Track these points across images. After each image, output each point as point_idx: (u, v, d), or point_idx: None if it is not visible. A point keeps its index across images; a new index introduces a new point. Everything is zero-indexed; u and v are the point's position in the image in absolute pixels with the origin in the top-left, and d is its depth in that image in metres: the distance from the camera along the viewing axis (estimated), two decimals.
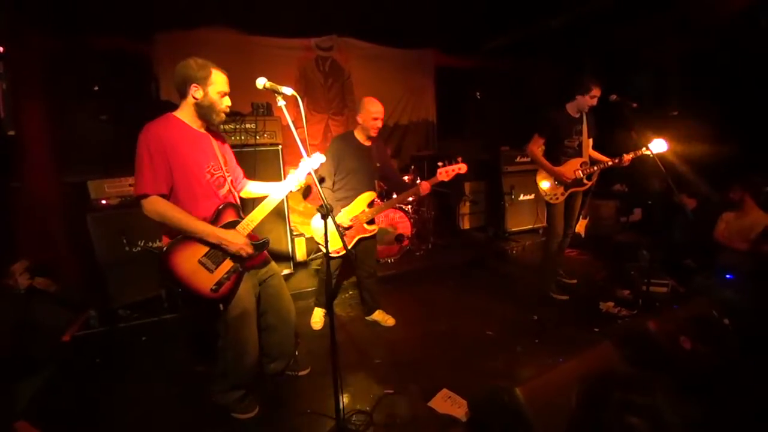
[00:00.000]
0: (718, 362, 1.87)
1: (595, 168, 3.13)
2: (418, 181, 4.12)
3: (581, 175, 3.14)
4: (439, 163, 2.75)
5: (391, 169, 3.02)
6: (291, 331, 2.25)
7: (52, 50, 3.42)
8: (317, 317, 3.07)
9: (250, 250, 1.86)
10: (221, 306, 1.87)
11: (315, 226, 2.75)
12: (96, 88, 4.06)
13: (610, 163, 3.10)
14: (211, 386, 2.12)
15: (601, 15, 4.28)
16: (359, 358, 2.62)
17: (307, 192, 4.57)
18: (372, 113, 2.68)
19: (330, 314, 1.74)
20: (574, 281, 3.69)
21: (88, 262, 2.99)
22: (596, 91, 2.98)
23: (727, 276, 2.81)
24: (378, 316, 3.07)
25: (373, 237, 2.91)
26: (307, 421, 2.05)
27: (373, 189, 2.83)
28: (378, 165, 2.86)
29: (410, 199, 4.36)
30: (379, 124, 2.73)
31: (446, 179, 2.72)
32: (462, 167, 2.72)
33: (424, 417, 2.06)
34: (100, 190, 3.08)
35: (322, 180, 2.70)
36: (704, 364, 1.85)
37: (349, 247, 2.74)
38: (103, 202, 3.07)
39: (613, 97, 2.79)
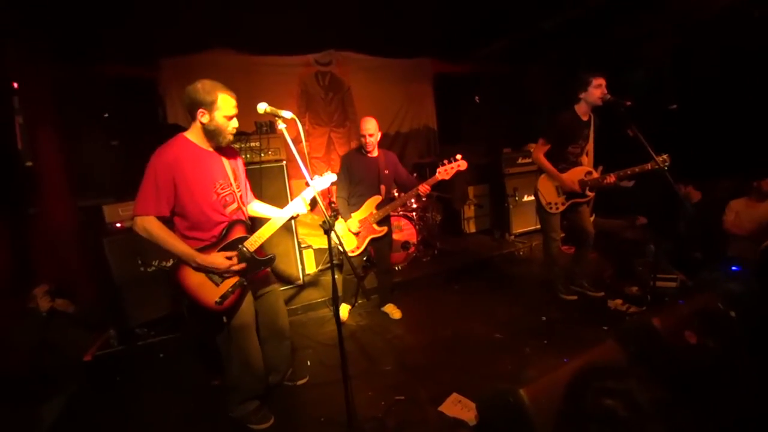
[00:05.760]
0: (722, 355, 1.88)
1: (600, 180, 2.97)
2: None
3: (587, 186, 3.03)
4: (440, 164, 2.88)
5: (401, 174, 3.20)
6: (285, 345, 2.32)
7: (62, 81, 3.57)
8: (343, 312, 3.33)
9: (237, 270, 1.89)
10: (224, 318, 1.94)
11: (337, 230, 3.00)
12: (106, 114, 4.24)
13: (601, 181, 2.96)
14: (226, 401, 2.19)
15: (594, 15, 4.33)
16: (370, 366, 2.67)
17: (314, 204, 4.65)
18: (360, 131, 2.98)
19: (338, 323, 1.80)
20: (601, 294, 3.34)
21: (105, 283, 3.10)
22: (597, 80, 2.87)
23: (733, 268, 2.80)
24: (387, 308, 3.37)
25: (385, 236, 3.12)
26: (320, 429, 2.10)
27: (378, 193, 3.05)
28: (386, 172, 3.04)
29: (414, 205, 4.43)
30: (368, 140, 2.94)
31: (447, 177, 2.83)
32: (462, 164, 2.81)
33: (435, 421, 2.10)
34: (115, 213, 3.18)
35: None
36: (709, 357, 1.86)
37: (362, 247, 3.04)
38: (118, 225, 3.17)
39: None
